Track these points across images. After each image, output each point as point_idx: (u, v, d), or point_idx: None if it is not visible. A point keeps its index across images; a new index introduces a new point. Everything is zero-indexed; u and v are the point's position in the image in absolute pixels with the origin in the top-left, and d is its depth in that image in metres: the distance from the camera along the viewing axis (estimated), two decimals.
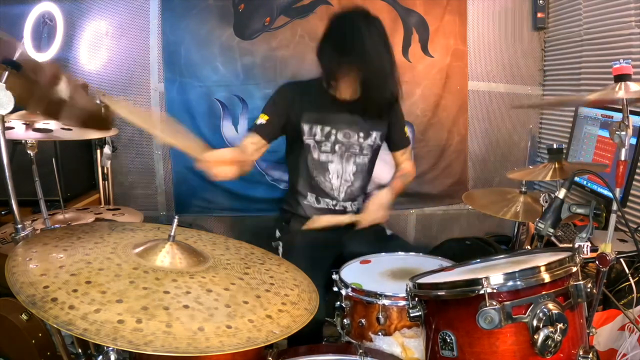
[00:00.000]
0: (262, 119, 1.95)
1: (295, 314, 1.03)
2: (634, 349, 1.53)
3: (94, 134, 1.71)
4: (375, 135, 2.02)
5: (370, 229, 2.03)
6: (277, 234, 2.09)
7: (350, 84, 1.92)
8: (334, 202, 2.03)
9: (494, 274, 1.01)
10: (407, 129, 2.15)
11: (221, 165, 1.63)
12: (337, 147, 1.99)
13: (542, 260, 1.08)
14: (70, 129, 1.59)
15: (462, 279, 1.05)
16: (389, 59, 1.90)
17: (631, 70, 1.20)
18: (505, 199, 2.00)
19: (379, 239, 1.99)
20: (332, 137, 1.98)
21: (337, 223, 1.95)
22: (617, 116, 2.01)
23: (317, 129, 1.96)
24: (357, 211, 2.08)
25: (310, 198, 2.03)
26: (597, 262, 1.16)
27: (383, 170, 2.79)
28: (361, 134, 2.00)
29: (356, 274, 1.62)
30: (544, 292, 1.01)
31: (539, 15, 2.87)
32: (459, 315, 1.06)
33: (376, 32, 1.86)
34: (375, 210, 1.92)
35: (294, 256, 1.83)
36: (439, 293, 1.09)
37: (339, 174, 2.01)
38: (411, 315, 1.16)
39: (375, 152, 2.08)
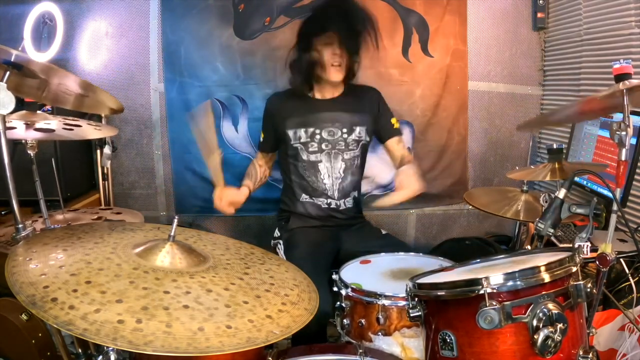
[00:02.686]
0: (261, 137, 2.15)
1: (295, 314, 1.03)
2: (634, 349, 1.53)
3: (94, 134, 1.72)
4: (359, 129, 2.06)
5: (366, 228, 2.05)
6: (277, 233, 2.13)
7: (329, 82, 2.00)
8: (328, 201, 2.07)
9: (494, 274, 1.01)
10: (395, 120, 2.16)
11: (233, 205, 1.94)
12: (323, 146, 2.04)
13: (542, 260, 1.08)
14: (72, 129, 1.59)
15: (462, 279, 1.05)
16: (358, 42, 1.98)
17: (631, 70, 1.19)
18: (506, 198, 2.01)
19: (375, 238, 2.01)
20: (317, 137, 2.04)
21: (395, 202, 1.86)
22: (617, 116, 2.01)
23: (301, 132, 2.03)
24: (352, 207, 2.11)
25: (305, 196, 2.09)
26: (597, 262, 1.15)
27: (383, 170, 2.80)
28: (344, 130, 2.05)
29: (356, 274, 1.62)
30: (543, 292, 1.00)
31: (539, 15, 2.87)
32: (459, 315, 1.06)
33: (348, 20, 1.95)
34: (414, 181, 1.86)
35: (295, 253, 1.87)
36: (439, 293, 1.09)
37: (329, 173, 2.05)
38: (411, 315, 1.16)
39: (363, 147, 2.11)
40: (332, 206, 2.07)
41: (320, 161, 2.05)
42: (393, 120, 2.16)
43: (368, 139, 2.11)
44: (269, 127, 2.12)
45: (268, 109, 2.13)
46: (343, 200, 2.09)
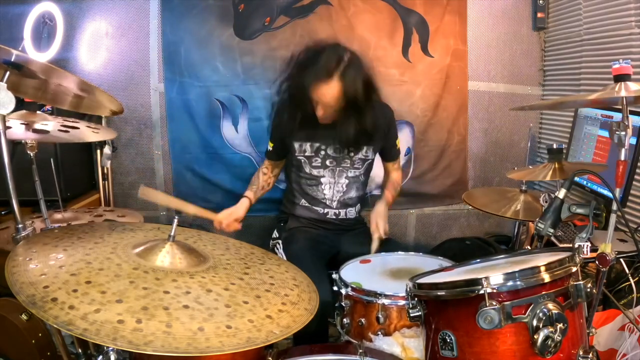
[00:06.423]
0: (269, 146, 2.09)
1: (295, 314, 1.03)
2: (634, 349, 1.53)
3: (92, 137, 1.71)
4: (366, 148, 2.04)
5: (366, 233, 2.06)
6: (275, 234, 2.13)
7: (326, 113, 1.86)
8: (326, 210, 2.07)
9: (494, 274, 1.01)
10: (398, 142, 2.17)
11: (236, 221, 1.94)
12: (327, 162, 2.02)
13: (542, 260, 1.08)
14: (67, 131, 1.59)
15: (462, 279, 1.05)
16: (365, 88, 1.82)
17: (631, 70, 1.20)
18: (505, 198, 2.01)
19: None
20: (322, 153, 2.01)
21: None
22: (617, 116, 2.01)
23: (307, 146, 2.01)
24: (353, 218, 2.12)
25: (305, 202, 2.09)
26: (597, 262, 1.16)
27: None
28: (351, 149, 2.01)
29: (356, 273, 1.63)
30: (543, 292, 1.01)
31: (539, 15, 2.87)
32: (459, 315, 1.06)
33: (351, 65, 1.79)
34: (382, 223, 1.90)
35: (294, 247, 1.88)
36: (439, 293, 1.09)
37: (331, 186, 2.05)
38: (411, 315, 1.16)
39: (369, 165, 2.10)
40: (329, 215, 2.07)
41: (323, 176, 2.03)
42: (397, 142, 2.15)
43: (374, 156, 2.09)
44: (276, 136, 2.06)
45: (277, 118, 2.05)
46: (344, 210, 2.08)
